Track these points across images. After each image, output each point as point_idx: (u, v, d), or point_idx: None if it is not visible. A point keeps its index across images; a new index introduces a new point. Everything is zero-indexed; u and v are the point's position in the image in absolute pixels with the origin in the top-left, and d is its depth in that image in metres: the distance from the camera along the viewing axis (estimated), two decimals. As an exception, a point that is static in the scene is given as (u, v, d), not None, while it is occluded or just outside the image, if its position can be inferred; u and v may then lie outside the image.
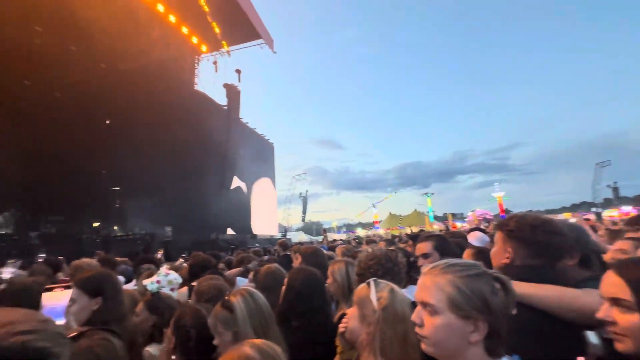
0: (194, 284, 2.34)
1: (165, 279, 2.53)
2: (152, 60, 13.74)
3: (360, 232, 37.67)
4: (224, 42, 14.85)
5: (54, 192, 12.15)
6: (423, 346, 0.80)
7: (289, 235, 27.50)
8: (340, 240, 10.56)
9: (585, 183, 38.05)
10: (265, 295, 1.75)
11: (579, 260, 1.37)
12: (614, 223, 6.84)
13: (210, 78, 16.22)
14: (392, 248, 2.19)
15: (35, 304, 1.33)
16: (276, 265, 2.22)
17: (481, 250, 1.89)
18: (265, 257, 4.66)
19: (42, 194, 12.28)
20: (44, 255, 4.21)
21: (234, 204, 16.72)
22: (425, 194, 34.80)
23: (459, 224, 24.67)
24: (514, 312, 0.78)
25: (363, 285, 1.17)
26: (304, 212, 38.28)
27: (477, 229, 3.38)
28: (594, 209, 29.24)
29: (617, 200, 35.60)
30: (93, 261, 2.95)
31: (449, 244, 1.95)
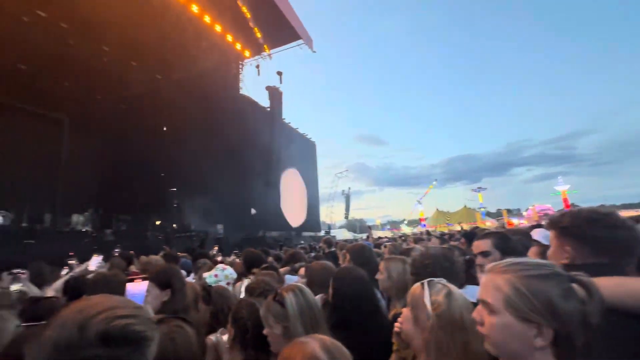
0: (248, 277, 2.47)
1: (222, 274, 2.71)
2: (202, 69, 14.70)
3: (406, 230, 36.55)
4: (265, 46, 15.34)
5: (122, 194, 13.62)
6: (486, 345, 0.77)
7: (332, 232, 27.66)
8: (386, 237, 10.34)
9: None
10: (317, 291, 1.78)
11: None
12: None
13: (253, 81, 16.88)
14: (445, 246, 2.08)
15: (121, 293, 1.51)
16: (327, 262, 2.24)
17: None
18: (312, 254, 4.73)
19: (113, 195, 13.84)
20: (118, 250, 4.74)
21: (278, 201, 17.25)
22: (480, 188, 32.49)
23: (515, 221, 22.71)
24: (601, 320, 0.69)
25: (417, 285, 1.11)
26: (347, 209, 38.17)
27: (540, 225, 3.08)
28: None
29: None
30: (159, 258, 3.25)
31: (510, 241, 1.80)
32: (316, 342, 0.86)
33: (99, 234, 10.14)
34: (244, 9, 12.52)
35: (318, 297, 1.68)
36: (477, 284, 1.70)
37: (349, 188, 38.97)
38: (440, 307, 0.98)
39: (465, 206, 32.28)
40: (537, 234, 2.43)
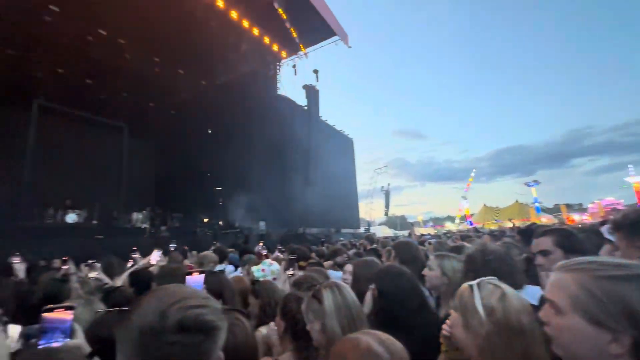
0: (291, 272, 2.53)
1: (269, 269, 2.82)
2: (242, 73, 15.33)
3: (451, 227, 34.90)
4: (301, 45, 15.53)
5: (175, 194, 14.72)
6: (554, 347, 0.73)
7: (372, 229, 27.30)
8: (429, 235, 9.96)
9: None
10: (364, 287, 1.78)
11: None
12: None
13: (290, 81, 17.18)
14: (498, 243, 1.96)
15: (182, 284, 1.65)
16: (373, 258, 2.23)
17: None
18: (352, 251, 4.72)
19: (167, 195, 15.02)
20: (173, 245, 5.13)
21: (317, 199, 17.42)
22: (534, 181, 29.87)
23: (577, 217, 20.58)
24: None
25: (465, 287, 1.02)
26: (387, 206, 37.40)
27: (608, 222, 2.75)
28: None
29: None
30: (211, 252, 3.48)
31: (575, 238, 1.63)
32: (370, 337, 0.84)
33: (156, 230, 11.06)
34: (280, 11, 12.77)
35: (367, 293, 1.68)
36: (536, 284, 1.59)
37: (389, 184, 38.14)
38: (495, 312, 0.90)
39: (516, 201, 29.98)
40: (608, 231, 2.19)
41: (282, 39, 14.90)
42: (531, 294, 1.40)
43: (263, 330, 1.83)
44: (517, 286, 1.07)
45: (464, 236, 5.57)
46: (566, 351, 0.70)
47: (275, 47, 15.33)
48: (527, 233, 2.86)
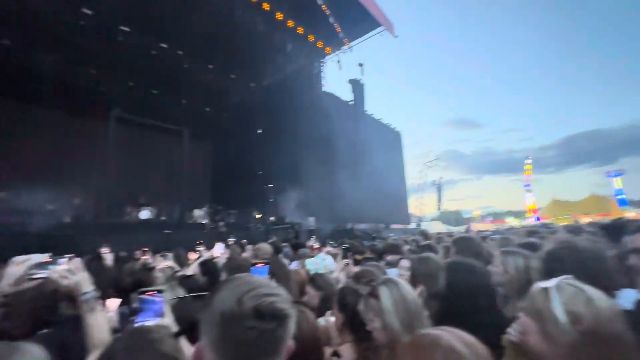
0: (347, 262, 2.55)
1: (322, 263, 2.87)
2: (287, 72, 15.75)
3: (513, 222, 32.04)
4: (345, 40, 15.42)
5: (230, 191, 15.71)
6: None
7: (423, 225, 26.24)
8: (489, 231, 9.27)
9: None
10: (422, 283, 1.72)
11: None
12: None
13: (335, 75, 17.19)
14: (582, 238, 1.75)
15: (248, 275, 1.77)
16: (432, 254, 2.14)
17: None
18: (406, 247, 4.58)
19: (223, 193, 16.09)
20: (232, 239, 5.49)
21: (365, 194, 17.25)
22: (617, 171, 25.83)
23: (674, 211, 17.49)
24: None
25: (539, 289, 0.90)
26: (439, 200, 35.65)
27: None
28: None
29: None
30: (267, 245, 3.66)
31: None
32: (451, 335, 0.76)
33: (215, 225, 11.91)
34: (324, 7, 12.81)
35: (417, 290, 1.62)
36: (632, 286, 1.39)
37: (441, 177, 36.28)
38: (582, 320, 0.78)
39: (593, 194, 26.46)
40: None
41: (326, 35, 14.94)
42: (627, 297, 1.23)
43: (321, 321, 1.87)
44: (614, 289, 0.92)
45: (531, 232, 5.03)
46: None
47: (319, 44, 15.42)
48: (615, 229, 2.48)
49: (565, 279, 0.89)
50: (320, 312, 2.03)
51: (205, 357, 0.67)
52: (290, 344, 0.70)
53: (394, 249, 3.43)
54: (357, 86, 17.94)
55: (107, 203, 11.04)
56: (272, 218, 13.79)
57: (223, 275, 1.97)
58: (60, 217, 9.45)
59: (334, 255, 3.34)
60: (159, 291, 1.14)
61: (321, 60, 17.06)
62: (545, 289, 0.88)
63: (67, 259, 1.27)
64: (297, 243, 5.99)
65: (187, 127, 14.38)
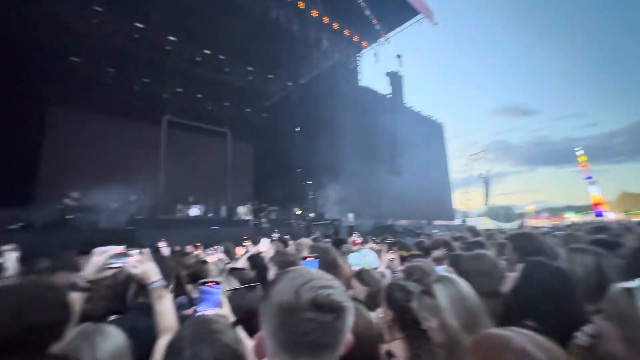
0: (392, 256, 2.49)
1: (363, 260, 2.83)
2: (324, 69, 15.77)
3: (574, 218, 29.10)
4: (381, 32, 15.03)
5: (271, 189, 16.20)
6: None
7: (469, 221, 24.85)
8: (546, 227, 8.52)
9: None
10: (473, 283, 1.62)
11: None
12: None
13: (373, 68, 16.86)
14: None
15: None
16: (485, 251, 2.02)
17: None
18: (456, 244, 4.37)
19: (265, 190, 16.65)
20: (275, 234, 5.67)
21: (406, 189, 16.78)
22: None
23: None
24: None
25: (619, 290, 0.82)
26: (487, 195, 33.44)
27: None
28: None
29: None
30: (309, 240, 3.72)
31: None
32: (524, 337, 0.71)
33: (258, 222, 12.37)
34: (359, 0, 12.60)
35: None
36: None
37: (488, 170, 33.97)
38: None
39: (673, 185, 23.02)
40: None
41: (361, 29, 14.69)
42: None
43: (373, 316, 1.85)
44: None
45: (600, 228, 4.49)
46: None
47: (355, 39, 15.21)
48: None
49: None
50: (370, 308, 2.02)
51: (266, 346, 0.68)
52: (349, 337, 0.70)
53: (445, 245, 3.28)
54: (395, 78, 17.44)
55: (160, 201, 11.98)
56: (311, 214, 13.97)
57: (271, 269, 2.04)
58: (123, 215, 10.45)
59: (378, 252, 3.29)
60: (217, 282, 1.21)
61: (357, 55, 16.82)
62: (629, 290, 0.79)
63: (138, 251, 1.39)
64: (338, 239, 6.00)
65: (230, 129, 15.09)
